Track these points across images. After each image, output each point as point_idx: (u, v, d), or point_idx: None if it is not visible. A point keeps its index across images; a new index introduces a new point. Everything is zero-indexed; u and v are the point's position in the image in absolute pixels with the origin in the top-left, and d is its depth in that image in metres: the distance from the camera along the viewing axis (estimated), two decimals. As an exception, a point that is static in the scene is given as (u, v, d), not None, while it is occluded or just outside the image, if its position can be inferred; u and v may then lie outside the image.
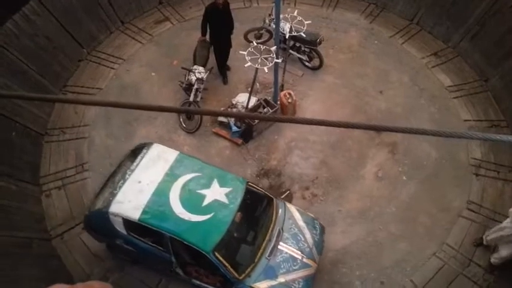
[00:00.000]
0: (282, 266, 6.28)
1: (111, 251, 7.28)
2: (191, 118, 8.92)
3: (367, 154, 8.52)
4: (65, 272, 7.32)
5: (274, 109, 8.73)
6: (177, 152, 6.83)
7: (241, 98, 8.90)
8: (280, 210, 6.76)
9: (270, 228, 6.50)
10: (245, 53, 7.33)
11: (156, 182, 6.36)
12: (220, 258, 5.92)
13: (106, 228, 6.45)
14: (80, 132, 8.92)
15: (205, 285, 6.63)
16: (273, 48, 7.52)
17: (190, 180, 6.40)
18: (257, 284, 6.11)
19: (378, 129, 2.47)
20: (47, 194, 8.13)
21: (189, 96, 8.72)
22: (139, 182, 6.41)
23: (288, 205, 6.99)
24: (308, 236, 6.66)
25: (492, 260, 6.92)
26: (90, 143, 8.79)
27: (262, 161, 8.53)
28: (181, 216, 6.02)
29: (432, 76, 9.74)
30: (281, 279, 6.18)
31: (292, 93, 8.88)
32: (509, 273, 6.84)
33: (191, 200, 6.19)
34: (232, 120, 8.78)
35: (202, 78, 8.64)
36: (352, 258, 7.37)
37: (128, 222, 6.25)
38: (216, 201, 6.21)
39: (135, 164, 6.67)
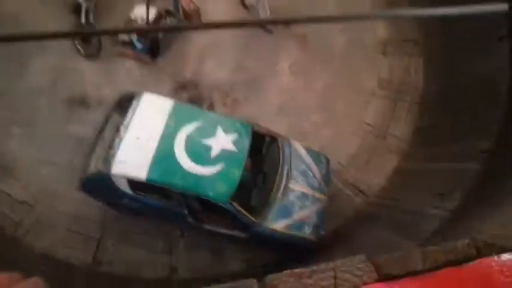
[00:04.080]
0: (295, 204, 6.33)
1: (112, 208, 6.92)
2: (89, 41, 8.15)
3: (279, 49, 8.46)
4: (-8, 226, 6.93)
5: (177, 18, 8.20)
6: (172, 101, 6.30)
7: (139, 11, 8.17)
8: (286, 149, 6.64)
9: (279, 169, 6.42)
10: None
11: (157, 136, 5.90)
12: (237, 207, 5.87)
13: (109, 190, 6.06)
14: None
15: (218, 230, 6.55)
16: None
17: (193, 130, 6.00)
18: (274, 225, 6.17)
19: (282, 22, 2.34)
20: None
21: (80, 18, 7.87)
22: (138, 138, 5.90)
23: (293, 143, 6.82)
24: (316, 171, 6.67)
25: None
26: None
27: (176, 75, 8.19)
28: (191, 170, 5.74)
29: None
30: (296, 217, 6.27)
31: (193, -3, 8.33)
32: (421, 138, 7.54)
33: (198, 152, 5.88)
34: (135, 37, 8.16)
35: None
36: (280, 153, 7.64)
37: (133, 182, 5.88)
38: (223, 150, 5.95)
39: (127, 118, 6.05)
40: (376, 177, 7.47)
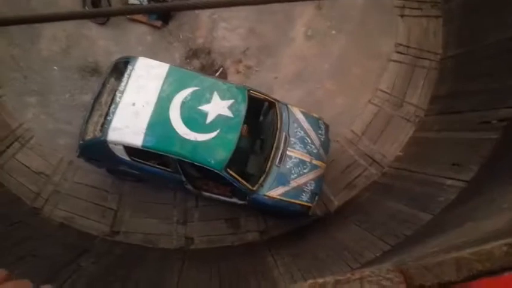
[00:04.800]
0: (293, 171, 6.33)
1: (113, 175, 7.02)
2: (98, 6, 7.92)
3: (293, 14, 8.17)
4: (11, 196, 7.10)
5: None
6: (167, 65, 6.19)
7: (150, -27, 7.94)
8: (284, 115, 6.54)
9: (277, 135, 6.36)
10: None
11: (152, 102, 5.87)
12: (233, 174, 5.87)
13: (106, 156, 6.11)
14: (-26, 49, 7.78)
15: (216, 196, 6.62)
16: None
17: (188, 96, 5.95)
18: (271, 192, 6.20)
19: None
20: (-37, 123, 7.41)
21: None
22: (134, 104, 5.88)
23: (291, 108, 6.71)
24: (314, 137, 6.61)
25: None
26: (-9, 58, 7.75)
27: (188, 41, 8.02)
28: (187, 137, 5.74)
29: None
30: (293, 184, 6.29)
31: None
32: (438, 106, 7.39)
33: (194, 118, 5.85)
34: (145, 0, 7.95)
35: None
36: (294, 121, 7.58)
37: (130, 149, 5.90)
38: (219, 116, 5.90)
39: (123, 84, 6.02)
40: (391, 146, 7.40)
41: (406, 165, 7.02)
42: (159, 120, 5.82)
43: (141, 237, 7.02)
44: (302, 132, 6.59)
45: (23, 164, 7.26)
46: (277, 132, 6.38)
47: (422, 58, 7.86)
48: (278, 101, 6.69)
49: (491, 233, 3.18)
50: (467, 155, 6.05)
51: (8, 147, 7.30)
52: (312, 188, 6.41)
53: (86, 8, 7.94)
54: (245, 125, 6.12)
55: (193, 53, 7.95)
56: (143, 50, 7.69)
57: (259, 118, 6.84)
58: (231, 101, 6.04)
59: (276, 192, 6.24)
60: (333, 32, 8.12)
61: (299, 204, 6.33)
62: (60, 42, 7.85)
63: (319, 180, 6.57)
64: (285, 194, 6.26)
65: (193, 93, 5.99)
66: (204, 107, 5.94)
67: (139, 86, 6.02)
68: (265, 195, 6.21)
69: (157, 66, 6.18)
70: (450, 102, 7.25)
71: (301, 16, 8.16)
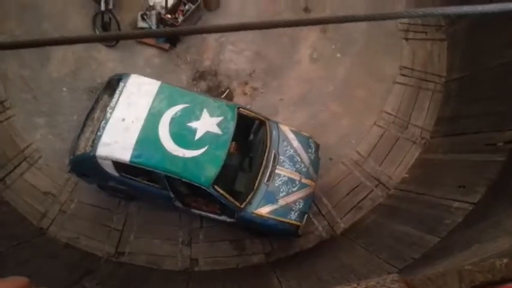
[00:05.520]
0: (282, 189, 6.33)
1: (104, 191, 7.04)
2: (108, 29, 8.13)
3: (299, 37, 8.30)
4: (17, 215, 7.13)
5: (196, 3, 8.10)
6: (159, 83, 6.29)
7: (158, -3, 8.14)
8: (274, 133, 6.57)
9: (266, 153, 6.38)
10: None
11: (142, 118, 5.94)
12: (220, 191, 5.88)
13: (95, 172, 6.16)
14: (-13, 69, 7.94)
15: (206, 214, 6.61)
16: None
17: (178, 112, 6.02)
18: (259, 210, 6.19)
19: (306, 24, 2.25)
20: (-28, 142, 7.51)
21: (100, 5, 7.84)
22: (123, 119, 5.96)
23: (281, 126, 6.76)
24: (304, 156, 6.63)
25: None
26: (3, 78, 7.90)
27: (195, 63, 8.15)
28: (175, 153, 5.78)
29: None
30: (282, 202, 6.29)
31: (212, -17, 8.20)
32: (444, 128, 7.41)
33: (182, 135, 5.90)
34: (154, 24, 8.11)
35: None
36: (299, 143, 7.61)
37: (118, 164, 5.94)
38: (208, 132, 5.94)
39: (114, 100, 6.12)
40: (396, 168, 7.40)
41: (412, 187, 7.00)
42: (148, 136, 5.88)
43: (146, 258, 6.99)
44: (292, 150, 6.62)
45: (30, 183, 7.32)
46: (267, 150, 6.42)
47: (427, 81, 7.93)
48: (268, 119, 6.74)
49: (497, 255, 3.16)
50: (474, 177, 6.03)
51: (16, 167, 7.36)
52: (300, 206, 6.40)
53: (96, 30, 8.14)
54: (234, 142, 6.17)
55: (200, 75, 8.06)
56: (151, 72, 7.81)
57: (250, 136, 6.89)
58: (220, 118, 6.10)
59: (264, 210, 6.23)
60: (338, 55, 8.23)
61: (287, 222, 6.32)
62: (69, 63, 8.00)
63: (309, 199, 6.57)
64: (273, 212, 6.25)
65: (183, 110, 6.07)
66: (193, 124, 6.01)
67: (130, 102, 6.11)
68: (253, 213, 6.19)
69: (149, 83, 6.29)
70: (455, 124, 7.28)
71: (307, 39, 8.29)
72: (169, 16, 8.00)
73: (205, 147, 5.87)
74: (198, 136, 5.92)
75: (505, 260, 2.11)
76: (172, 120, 5.97)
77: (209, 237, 7.10)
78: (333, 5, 8.38)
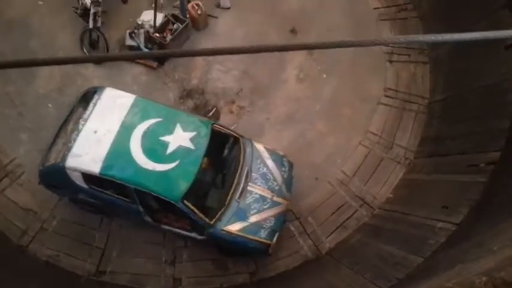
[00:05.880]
0: (253, 207, 6.29)
1: (75, 204, 6.92)
2: (96, 47, 8.16)
3: (286, 57, 8.41)
4: (-2, 234, 6.95)
5: (184, 24, 8.19)
6: (134, 96, 6.29)
7: (147, 17, 8.20)
8: (247, 150, 6.57)
9: (238, 170, 6.36)
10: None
11: (114, 131, 5.92)
12: (190, 206, 5.82)
13: (64, 183, 6.09)
14: (-29, 87, 7.86)
15: (176, 230, 6.53)
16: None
17: (151, 126, 6.00)
18: (229, 227, 6.13)
19: (294, 49, 2.31)
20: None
21: (88, 22, 7.87)
22: (95, 132, 5.94)
23: (256, 144, 6.77)
24: (277, 174, 6.62)
25: None
26: (-14, 95, 7.82)
27: (182, 82, 8.19)
28: (145, 166, 5.73)
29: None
30: (252, 220, 6.24)
31: (200, 3, 8.30)
32: (427, 148, 7.51)
33: (154, 149, 5.87)
34: (142, 42, 8.17)
35: (97, 0, 7.76)
36: (285, 161, 7.63)
37: (87, 176, 5.88)
38: (180, 147, 5.91)
39: (88, 112, 6.11)
40: (381, 188, 7.42)
41: (396, 207, 7.03)
42: (119, 149, 5.85)
43: (128, 277, 6.84)
44: (265, 168, 6.62)
45: (11, 200, 7.19)
46: (240, 167, 6.41)
47: (410, 102, 8.06)
48: (242, 137, 6.77)
49: (481, 274, 3.19)
50: (457, 198, 6.09)
51: (-4, 182, 7.23)
52: (271, 224, 6.36)
53: (84, 49, 8.16)
54: (206, 158, 6.14)
55: (187, 93, 8.09)
56: (138, 90, 7.81)
57: (224, 153, 6.88)
58: (193, 133, 6.09)
59: (234, 227, 6.17)
60: (324, 75, 8.34)
61: (257, 241, 6.27)
62: (56, 80, 7.99)
63: (280, 218, 6.54)
64: (243, 229, 6.20)
65: (156, 124, 6.07)
66: (166, 138, 5.99)
67: (103, 114, 6.12)
68: (222, 229, 6.13)
69: (124, 97, 6.31)
70: (439, 145, 7.38)
71: (293, 60, 8.41)
72: (157, 35, 8.07)
73: (177, 162, 5.84)
74: (170, 150, 5.91)
75: (484, 278, 2.14)
76: (145, 134, 5.96)
77: (193, 257, 6.99)
78: (319, 27, 8.54)
